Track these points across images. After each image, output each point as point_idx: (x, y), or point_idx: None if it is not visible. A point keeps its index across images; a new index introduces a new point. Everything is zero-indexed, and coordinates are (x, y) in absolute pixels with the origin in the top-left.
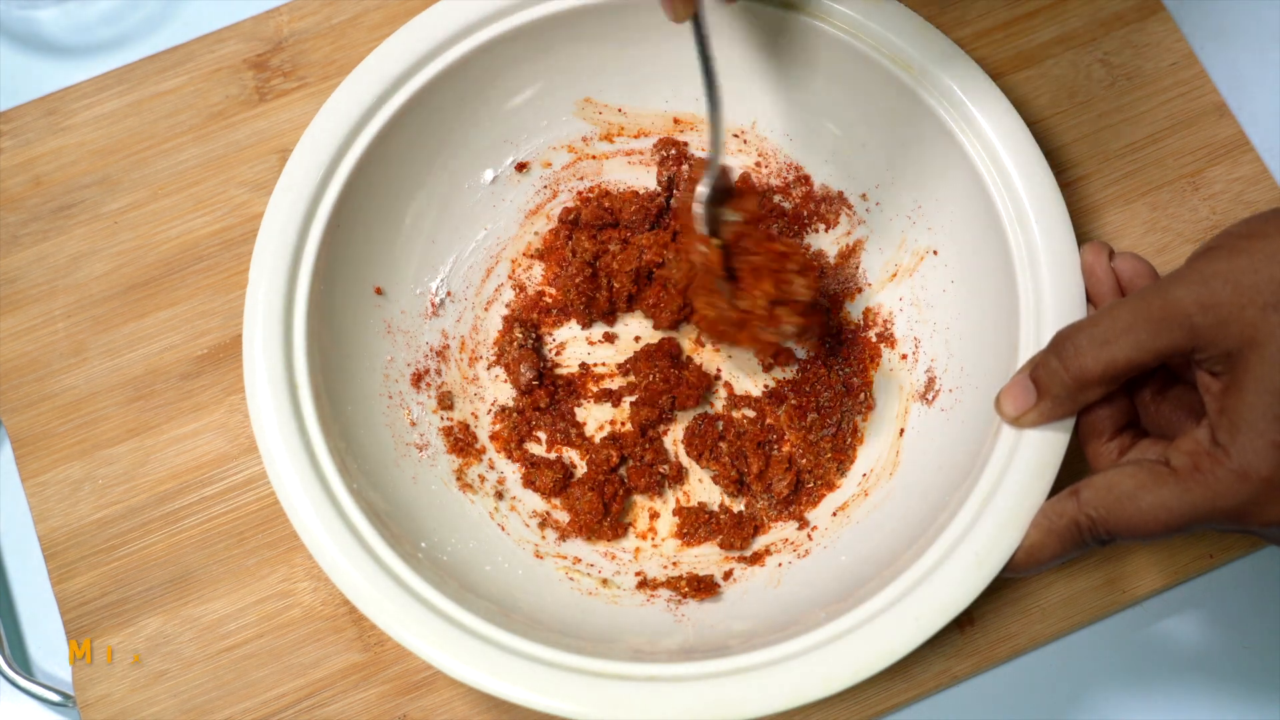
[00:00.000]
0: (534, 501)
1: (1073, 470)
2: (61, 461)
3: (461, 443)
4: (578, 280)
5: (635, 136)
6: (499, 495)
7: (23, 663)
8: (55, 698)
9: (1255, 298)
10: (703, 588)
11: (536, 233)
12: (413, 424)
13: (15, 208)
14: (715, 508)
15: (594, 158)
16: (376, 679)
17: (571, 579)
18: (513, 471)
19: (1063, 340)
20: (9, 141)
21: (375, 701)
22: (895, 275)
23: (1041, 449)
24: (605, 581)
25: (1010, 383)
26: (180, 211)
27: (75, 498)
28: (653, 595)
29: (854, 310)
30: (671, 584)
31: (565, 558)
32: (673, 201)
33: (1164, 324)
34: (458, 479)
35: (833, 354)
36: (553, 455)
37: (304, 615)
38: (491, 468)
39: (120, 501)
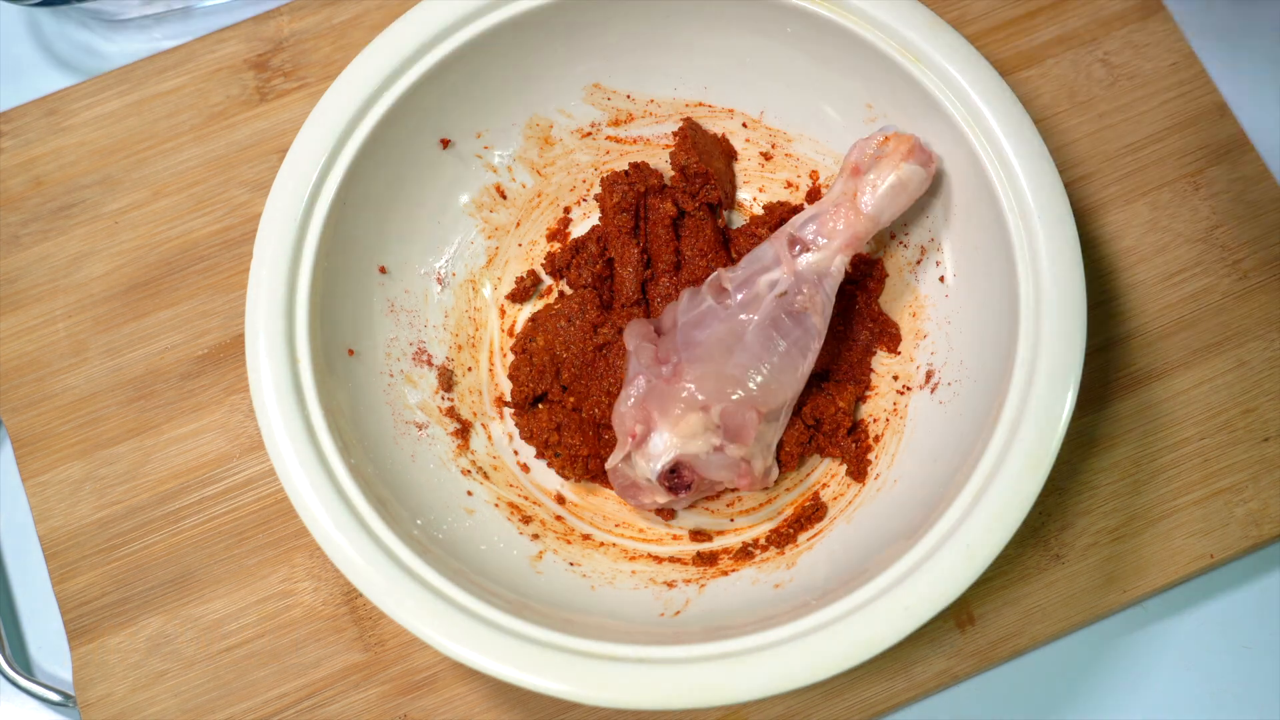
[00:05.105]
0: (529, 480)
1: (1069, 466)
2: (62, 461)
3: (461, 422)
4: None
5: (643, 122)
6: (495, 472)
7: (23, 663)
8: (55, 698)
9: None
10: (706, 559)
11: (542, 214)
12: (412, 403)
13: (16, 208)
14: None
15: (611, 139)
16: (377, 679)
17: (570, 564)
18: (510, 448)
19: None
20: (10, 141)
21: (375, 701)
22: (898, 268)
23: (1037, 444)
24: (602, 545)
25: None
26: (181, 211)
27: (76, 498)
28: (651, 577)
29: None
30: (676, 559)
31: (560, 531)
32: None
33: None
34: (455, 458)
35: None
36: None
37: (304, 615)
38: (490, 443)
39: (121, 501)
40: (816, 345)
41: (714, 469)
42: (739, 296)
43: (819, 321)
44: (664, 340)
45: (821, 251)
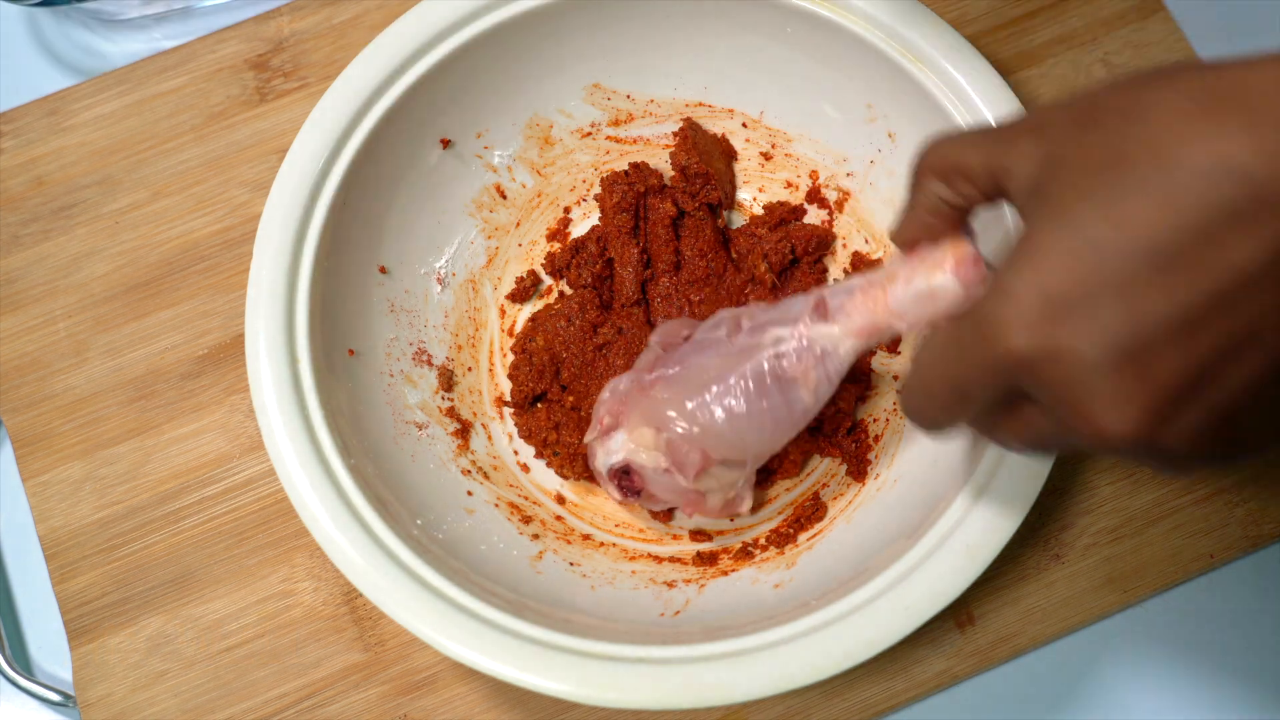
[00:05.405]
0: (529, 480)
1: (1069, 466)
2: (62, 461)
3: (461, 422)
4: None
5: (643, 122)
6: (495, 472)
7: (23, 663)
8: (55, 698)
9: (1062, 114)
10: (706, 559)
11: (542, 214)
12: (412, 403)
13: (16, 208)
14: None
15: (611, 139)
16: (377, 679)
17: (570, 564)
18: (509, 448)
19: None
20: (11, 142)
21: (375, 701)
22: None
23: None
24: (602, 545)
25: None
26: (181, 211)
27: (76, 498)
28: (651, 577)
29: None
30: (676, 559)
31: (560, 531)
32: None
33: (1002, 137)
34: (455, 458)
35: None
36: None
37: (304, 615)
38: (490, 443)
39: (121, 501)
40: (798, 420)
41: (661, 489)
42: (747, 338)
43: (807, 397)
44: (673, 349)
45: (836, 327)
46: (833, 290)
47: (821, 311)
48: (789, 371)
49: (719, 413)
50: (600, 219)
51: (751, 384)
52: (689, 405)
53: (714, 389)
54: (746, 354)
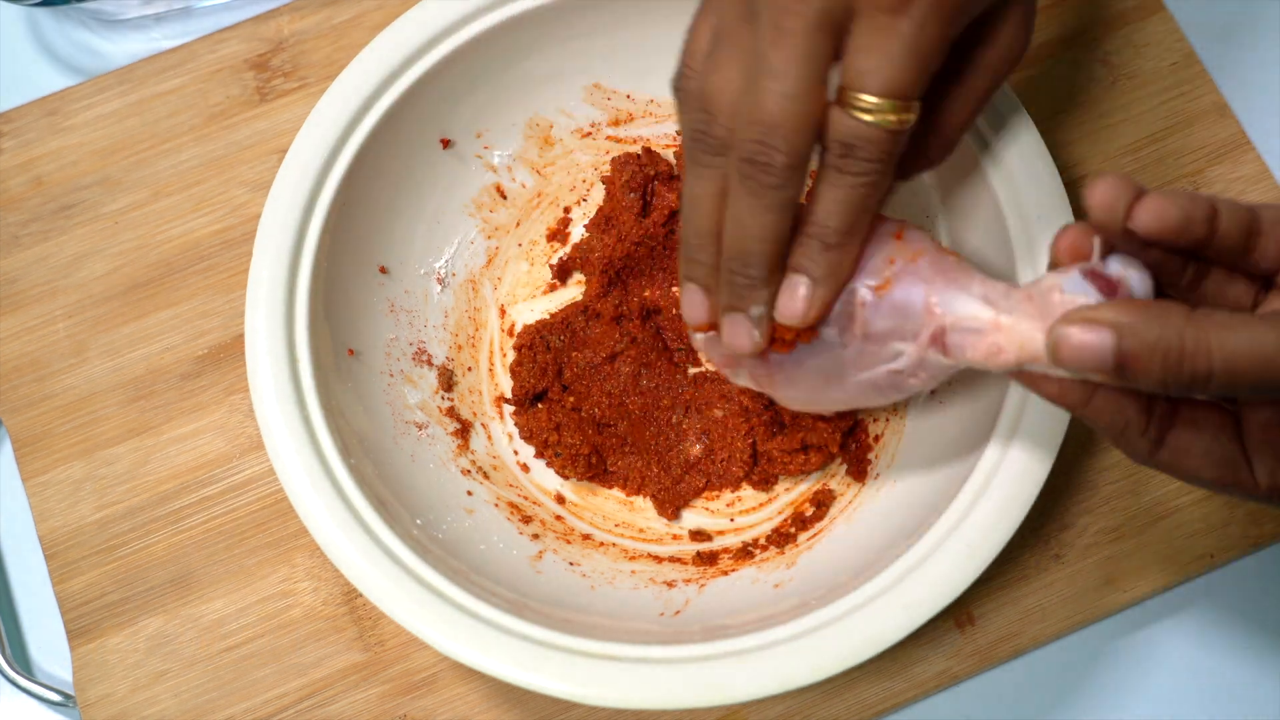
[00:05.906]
0: (529, 480)
1: (1069, 466)
2: (62, 461)
3: (460, 422)
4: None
5: (643, 122)
6: (495, 472)
7: (23, 663)
8: (55, 698)
9: None
10: (706, 559)
11: (542, 214)
12: (412, 403)
13: (16, 208)
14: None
15: (611, 139)
16: (377, 679)
17: (570, 564)
18: (509, 448)
19: (1209, 330)
20: (10, 142)
21: (375, 701)
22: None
23: (1036, 443)
24: (602, 545)
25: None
26: (181, 212)
27: (76, 497)
28: (651, 577)
29: None
30: (676, 559)
31: (560, 531)
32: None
33: None
34: (455, 458)
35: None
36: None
37: (304, 615)
38: (490, 443)
39: (120, 501)
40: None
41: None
42: (863, 344)
43: (924, 388)
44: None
45: (952, 361)
46: (955, 324)
47: (939, 344)
48: (909, 386)
49: (845, 400)
50: (605, 199)
51: (872, 390)
52: (816, 398)
53: (839, 386)
54: (863, 362)
